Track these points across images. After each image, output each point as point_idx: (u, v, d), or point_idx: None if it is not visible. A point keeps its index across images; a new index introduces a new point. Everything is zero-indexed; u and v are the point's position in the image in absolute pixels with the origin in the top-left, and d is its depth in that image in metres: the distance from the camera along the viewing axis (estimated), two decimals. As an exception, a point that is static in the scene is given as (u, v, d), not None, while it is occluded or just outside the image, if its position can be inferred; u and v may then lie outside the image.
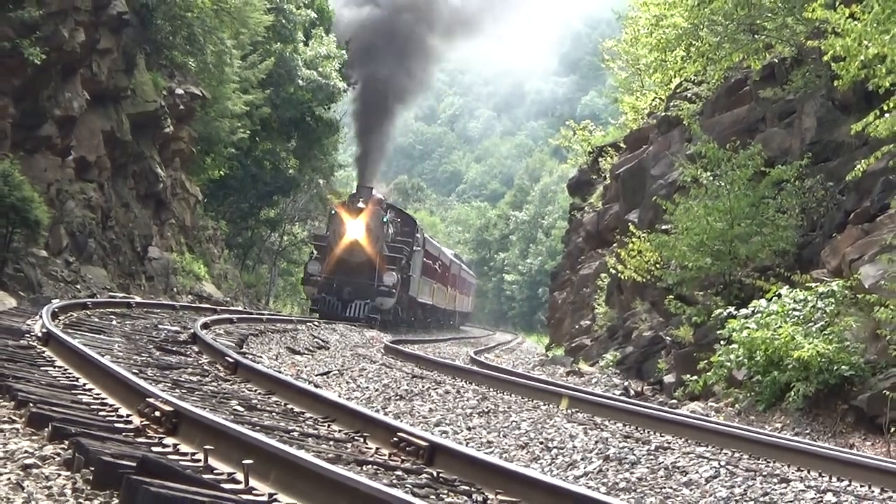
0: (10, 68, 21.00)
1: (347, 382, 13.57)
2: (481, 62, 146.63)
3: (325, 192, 49.94)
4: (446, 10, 46.51)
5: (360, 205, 34.52)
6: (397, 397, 12.11)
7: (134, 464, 5.27)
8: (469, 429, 10.06)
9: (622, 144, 31.76)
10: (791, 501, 7.39)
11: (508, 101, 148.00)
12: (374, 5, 43.47)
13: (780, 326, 14.35)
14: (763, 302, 15.61)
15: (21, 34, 20.65)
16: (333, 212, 36.89)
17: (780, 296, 15.49)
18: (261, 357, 15.40)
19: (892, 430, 12.12)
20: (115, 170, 27.87)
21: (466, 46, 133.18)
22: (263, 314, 27.80)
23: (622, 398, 15.65)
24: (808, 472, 8.83)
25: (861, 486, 8.28)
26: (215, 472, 5.60)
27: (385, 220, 36.46)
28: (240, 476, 5.41)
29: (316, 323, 27.57)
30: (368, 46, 41.67)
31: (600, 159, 33.91)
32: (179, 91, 30.73)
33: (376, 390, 12.73)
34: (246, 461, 5.45)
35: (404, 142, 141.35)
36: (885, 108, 13.78)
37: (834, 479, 8.57)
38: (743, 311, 15.72)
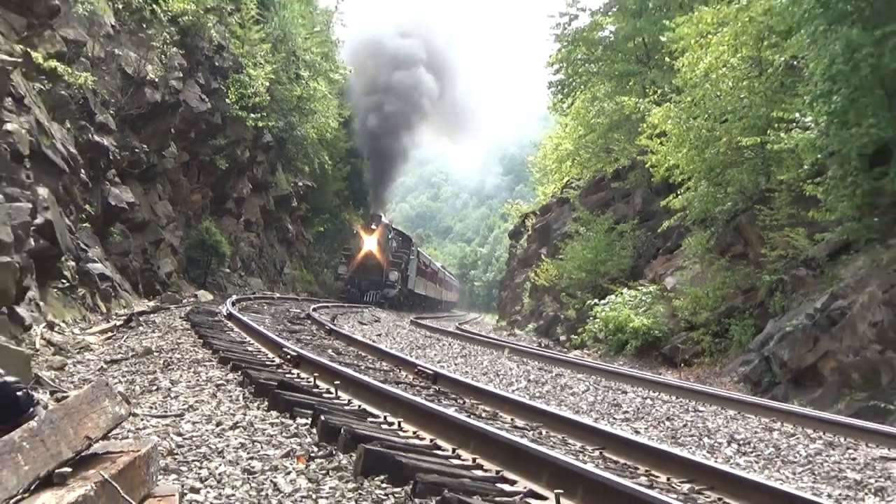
0: (209, 171, 21.11)
1: (391, 340, 13.55)
2: (461, 168, 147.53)
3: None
4: (428, 120, 42.39)
5: (373, 226, 30.91)
6: (418, 348, 12.09)
7: (276, 383, 5.31)
8: (455, 365, 10.06)
9: (538, 212, 31.86)
10: (629, 402, 7.40)
11: (477, 188, 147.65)
12: (379, 112, 37.19)
13: (622, 310, 14.42)
14: (613, 297, 15.67)
15: (215, 153, 20.74)
16: (356, 231, 32.58)
17: (622, 293, 15.56)
18: (343, 326, 15.37)
19: (682, 365, 12.19)
20: (265, 226, 27.81)
21: (453, 158, 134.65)
22: (345, 304, 27.60)
23: (538, 348, 15.66)
24: (638, 388, 8.86)
25: (665, 395, 8.31)
26: (319, 387, 5.63)
27: (390, 237, 32.73)
28: (332, 390, 5.44)
29: (373, 308, 27.29)
30: (377, 132, 36.81)
31: (526, 220, 34.00)
32: (300, 184, 30.75)
33: (406, 344, 12.72)
34: (336, 382, 5.48)
35: (421, 211, 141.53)
36: (679, 192, 13.99)
37: (651, 391, 8.61)
38: (602, 301, 15.78)
